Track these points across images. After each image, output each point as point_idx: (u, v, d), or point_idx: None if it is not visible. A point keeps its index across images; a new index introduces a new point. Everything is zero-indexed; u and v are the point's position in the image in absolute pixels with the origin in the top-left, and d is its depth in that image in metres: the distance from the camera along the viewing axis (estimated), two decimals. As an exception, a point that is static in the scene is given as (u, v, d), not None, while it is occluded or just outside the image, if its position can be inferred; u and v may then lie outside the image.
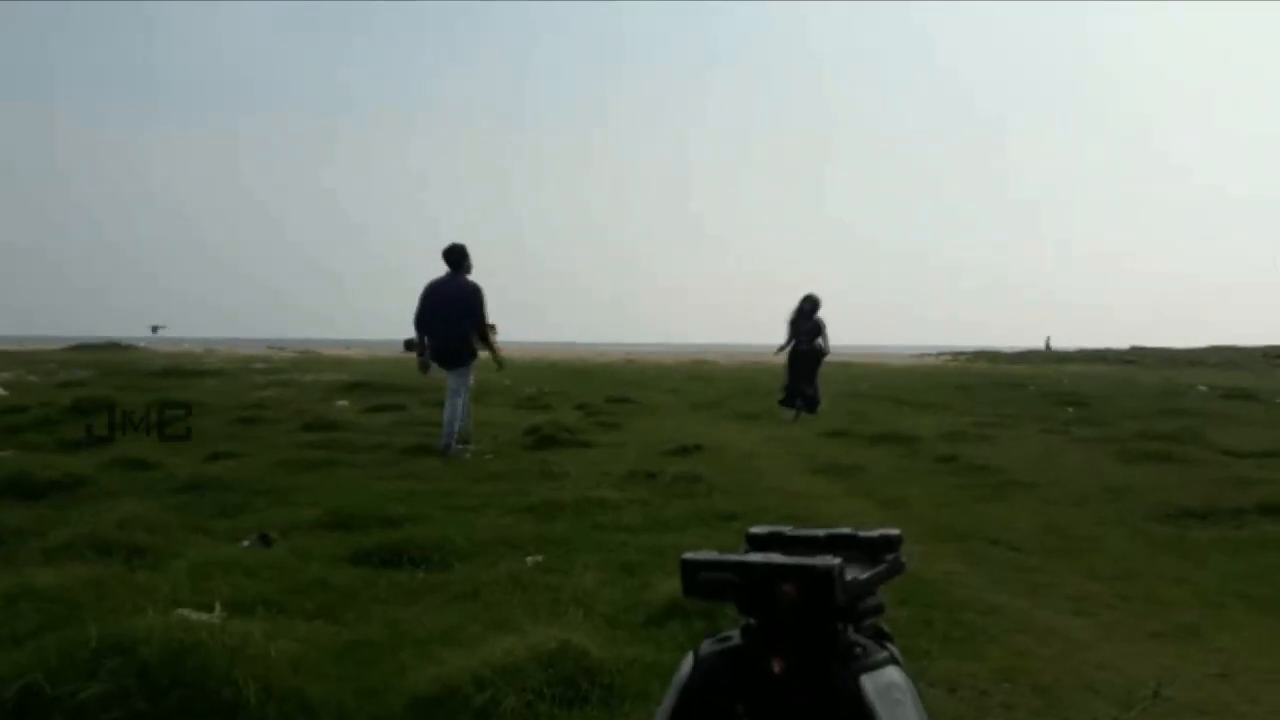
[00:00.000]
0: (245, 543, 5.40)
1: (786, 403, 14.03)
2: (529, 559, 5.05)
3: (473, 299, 9.52)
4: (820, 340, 14.09)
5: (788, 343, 14.09)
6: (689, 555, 0.91)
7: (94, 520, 5.43)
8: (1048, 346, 55.78)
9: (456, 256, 9.61)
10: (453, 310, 9.47)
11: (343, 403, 14.64)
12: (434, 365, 9.73)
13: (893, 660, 0.89)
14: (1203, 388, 21.29)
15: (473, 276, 9.68)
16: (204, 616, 3.44)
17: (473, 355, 9.62)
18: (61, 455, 8.60)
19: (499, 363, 10.25)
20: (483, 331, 9.58)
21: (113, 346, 33.00)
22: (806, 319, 14.10)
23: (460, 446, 9.39)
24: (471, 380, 9.72)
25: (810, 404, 13.96)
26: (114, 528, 5.24)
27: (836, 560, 0.84)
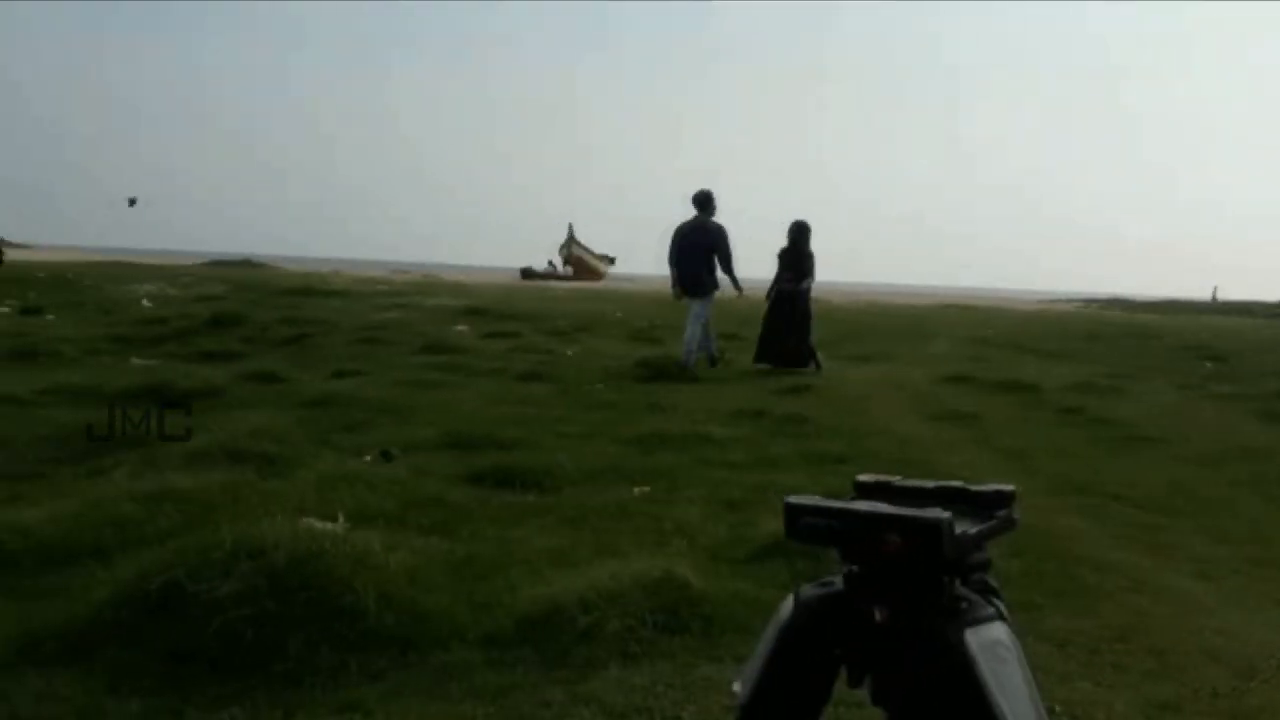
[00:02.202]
0: (367, 458, 5.64)
1: (763, 356, 11.23)
2: (635, 489, 5.13)
3: (717, 238, 10.88)
4: (807, 281, 11.41)
5: (775, 277, 11.51)
6: (793, 499, 0.90)
7: (229, 429, 5.76)
8: (1214, 298, 49.90)
9: (703, 200, 10.89)
10: (699, 248, 10.82)
11: (461, 328, 15.00)
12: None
13: (999, 617, 0.87)
14: (1359, 346, 19.83)
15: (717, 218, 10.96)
16: (328, 526, 3.63)
17: (714, 286, 10.97)
18: (200, 366, 9.13)
19: (739, 289, 11.59)
20: (727, 267, 10.94)
21: (246, 263, 34.47)
22: (794, 251, 11.45)
23: (690, 359, 10.67)
24: (710, 308, 11.02)
25: (803, 358, 11.17)
26: (247, 437, 5.55)
27: (945, 514, 0.82)
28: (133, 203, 33.08)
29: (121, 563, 3.49)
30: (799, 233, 11.52)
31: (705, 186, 10.97)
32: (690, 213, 10.98)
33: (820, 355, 11.48)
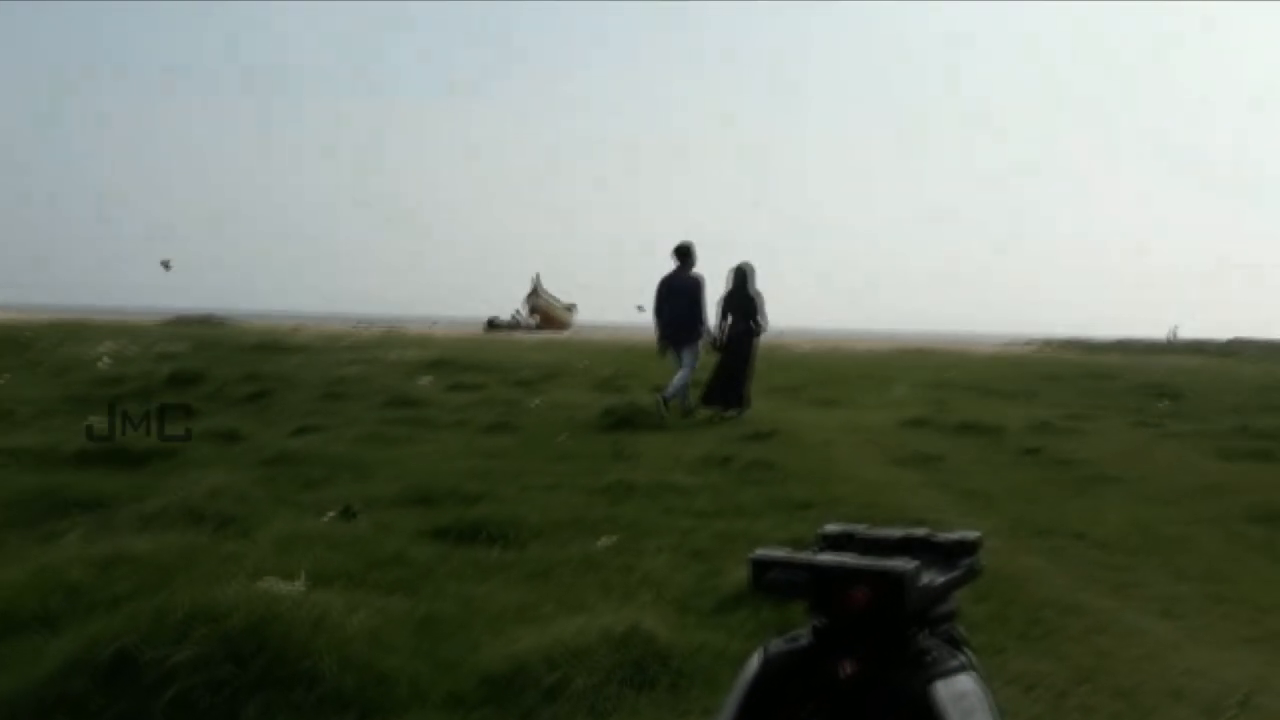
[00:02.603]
0: (328, 516, 5.54)
1: (710, 399, 11.31)
2: (601, 540, 5.08)
3: (694, 288, 11.18)
4: (758, 319, 11.57)
5: (721, 322, 11.57)
6: (759, 553, 0.89)
7: (186, 490, 5.64)
8: (1172, 337, 48.34)
9: (683, 252, 11.23)
10: (681, 299, 11.10)
11: (425, 380, 14.89)
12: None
13: (966, 667, 0.86)
14: (1309, 382, 20.24)
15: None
16: (287, 587, 3.55)
17: (698, 336, 11.24)
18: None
19: (714, 345, 11.46)
20: (700, 317, 11.18)
21: (208, 320, 34.14)
22: (740, 294, 11.57)
23: (664, 400, 10.73)
24: (696, 358, 11.24)
25: (739, 400, 11.28)
26: (205, 497, 5.44)
27: (911, 565, 0.82)
28: (167, 265, 34.94)
29: (71, 631, 3.38)
30: (742, 276, 11.63)
31: (686, 239, 11.34)
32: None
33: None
